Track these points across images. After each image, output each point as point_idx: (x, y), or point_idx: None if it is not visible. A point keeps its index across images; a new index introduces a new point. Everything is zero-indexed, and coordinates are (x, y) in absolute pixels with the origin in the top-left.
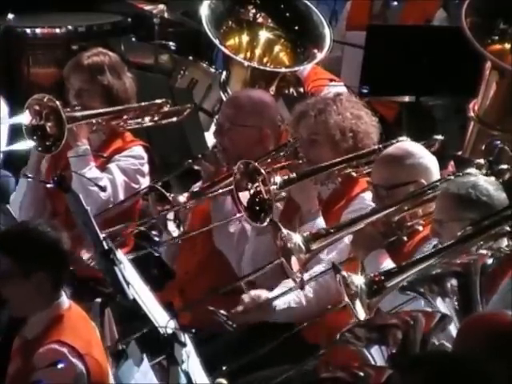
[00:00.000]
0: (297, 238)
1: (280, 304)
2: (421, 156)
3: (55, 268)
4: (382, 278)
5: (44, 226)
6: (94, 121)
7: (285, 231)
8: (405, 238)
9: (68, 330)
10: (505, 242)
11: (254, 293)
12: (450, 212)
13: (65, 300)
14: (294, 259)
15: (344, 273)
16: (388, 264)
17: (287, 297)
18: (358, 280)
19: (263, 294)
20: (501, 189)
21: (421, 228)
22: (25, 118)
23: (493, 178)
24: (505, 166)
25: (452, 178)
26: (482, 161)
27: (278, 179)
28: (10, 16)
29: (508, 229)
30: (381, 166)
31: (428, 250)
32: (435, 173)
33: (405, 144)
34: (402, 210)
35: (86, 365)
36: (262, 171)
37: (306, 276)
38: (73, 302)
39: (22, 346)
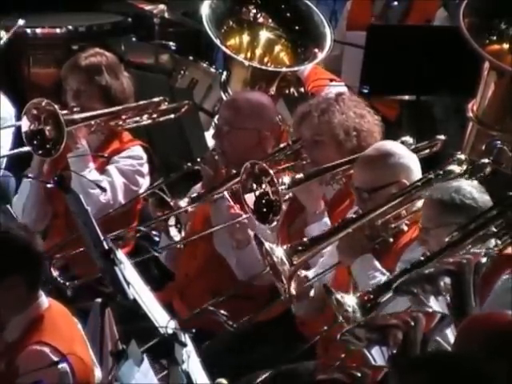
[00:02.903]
0: (279, 252)
1: None
2: (401, 156)
3: (29, 271)
4: (372, 296)
5: (16, 229)
6: (92, 122)
7: (267, 245)
8: (390, 240)
9: (49, 330)
10: (492, 243)
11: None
12: (435, 219)
13: (44, 300)
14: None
15: (337, 295)
16: (376, 269)
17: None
18: (351, 300)
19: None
20: (483, 191)
21: (406, 228)
22: (23, 125)
23: (475, 182)
24: (486, 161)
25: (432, 176)
26: (462, 156)
27: (286, 180)
28: (21, 22)
29: (494, 229)
30: (361, 168)
31: (416, 259)
32: (416, 172)
33: (384, 144)
34: (386, 213)
35: (70, 363)
36: (270, 172)
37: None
38: (53, 301)
39: (3, 349)
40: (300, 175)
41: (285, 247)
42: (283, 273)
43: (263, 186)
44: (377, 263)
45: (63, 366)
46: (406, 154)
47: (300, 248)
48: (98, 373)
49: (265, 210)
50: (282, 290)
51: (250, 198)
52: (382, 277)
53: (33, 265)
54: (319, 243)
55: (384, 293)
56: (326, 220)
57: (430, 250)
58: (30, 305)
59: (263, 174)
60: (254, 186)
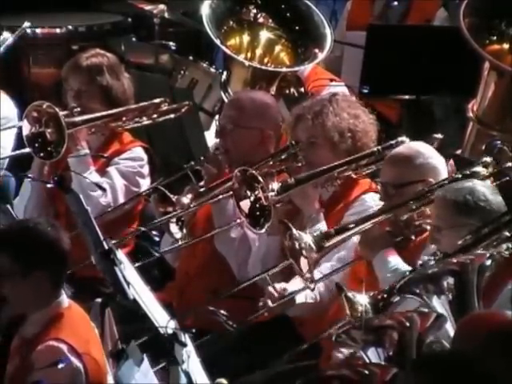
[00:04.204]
0: (307, 238)
1: (298, 298)
2: (430, 156)
3: (55, 267)
4: (385, 295)
5: (44, 224)
6: (92, 123)
7: (295, 231)
8: (413, 237)
9: (67, 328)
10: (504, 246)
11: (279, 285)
12: (448, 219)
13: (64, 299)
14: (302, 259)
15: (349, 293)
16: (396, 260)
17: (303, 291)
18: (363, 299)
19: (288, 286)
20: (497, 192)
21: (428, 227)
22: (24, 128)
23: (488, 182)
24: (510, 164)
25: (459, 176)
26: (488, 159)
27: (275, 186)
28: (27, 24)
29: (508, 234)
30: (390, 164)
31: (428, 260)
32: (443, 172)
33: (415, 144)
34: (410, 209)
35: (84, 364)
36: (260, 179)
37: (317, 273)
38: (73, 302)
39: (20, 344)
40: (291, 180)
41: (315, 233)
42: (309, 258)
43: (256, 191)
44: (398, 257)
45: (77, 364)
46: (435, 156)
47: (329, 234)
48: (111, 379)
49: (257, 214)
50: (303, 278)
51: (244, 203)
52: (403, 270)
53: (59, 261)
54: (347, 231)
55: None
56: (323, 223)
57: (440, 250)
58: (52, 302)
59: (254, 180)
60: (248, 191)
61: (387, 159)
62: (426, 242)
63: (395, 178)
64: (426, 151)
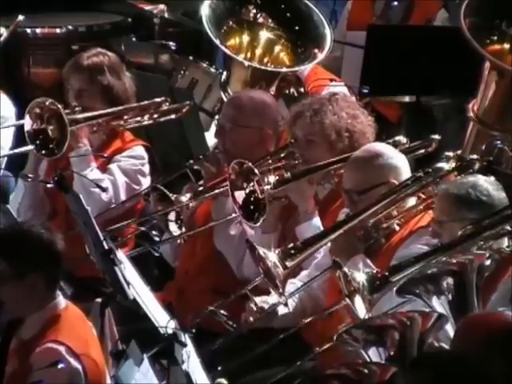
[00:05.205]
0: (272, 257)
1: (280, 309)
2: (389, 156)
3: (49, 269)
4: (386, 273)
5: (38, 227)
6: (94, 121)
7: (261, 250)
8: (383, 240)
9: (65, 329)
10: (505, 242)
11: (260, 299)
12: (450, 213)
13: (61, 300)
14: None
15: (346, 269)
16: (367, 265)
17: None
18: (360, 276)
19: (268, 300)
20: (500, 188)
21: (397, 228)
22: (26, 124)
23: (492, 178)
24: (474, 157)
25: (421, 174)
26: (450, 153)
27: (271, 179)
28: (21, 17)
29: (509, 228)
30: (350, 170)
31: (429, 248)
32: (405, 172)
33: (373, 146)
34: (377, 213)
35: (83, 365)
36: (256, 171)
37: (297, 281)
38: (70, 303)
39: (18, 346)
40: (287, 175)
41: (277, 251)
42: (277, 276)
43: (251, 184)
44: (370, 263)
45: (76, 365)
46: (394, 155)
47: (292, 252)
48: (109, 380)
49: (252, 208)
50: (277, 294)
51: (240, 196)
52: None
53: (53, 263)
54: (311, 245)
55: (398, 273)
56: (316, 219)
57: (442, 243)
58: (48, 303)
59: (251, 173)
60: (244, 184)
61: (347, 165)
62: (397, 245)
63: (357, 184)
64: (386, 151)
